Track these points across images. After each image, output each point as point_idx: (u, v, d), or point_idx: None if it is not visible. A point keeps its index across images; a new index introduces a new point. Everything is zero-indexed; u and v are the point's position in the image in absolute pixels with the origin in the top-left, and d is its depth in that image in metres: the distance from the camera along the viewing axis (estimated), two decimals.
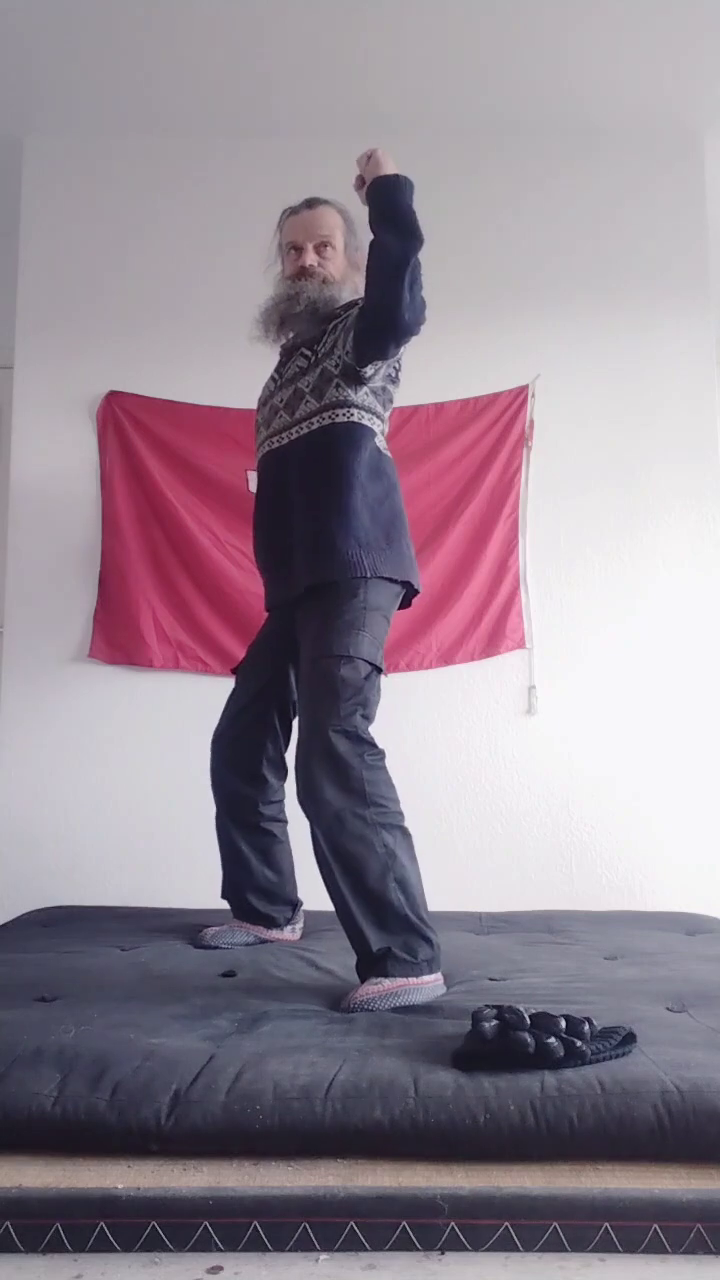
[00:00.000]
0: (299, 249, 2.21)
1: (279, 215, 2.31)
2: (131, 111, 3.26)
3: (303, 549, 2.05)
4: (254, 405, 2.36)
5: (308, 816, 1.91)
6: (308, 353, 2.16)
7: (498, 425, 3.25)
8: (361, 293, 2.05)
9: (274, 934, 2.35)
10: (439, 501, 3.19)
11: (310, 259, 2.20)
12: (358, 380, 2.09)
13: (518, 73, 3.11)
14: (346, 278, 2.22)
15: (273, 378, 2.29)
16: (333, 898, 1.89)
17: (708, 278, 3.35)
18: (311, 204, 2.24)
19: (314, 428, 2.09)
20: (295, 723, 2.21)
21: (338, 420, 2.08)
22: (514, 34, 2.96)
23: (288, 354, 2.25)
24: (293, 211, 2.27)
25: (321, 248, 2.21)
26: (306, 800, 1.90)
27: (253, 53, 3.02)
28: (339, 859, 1.86)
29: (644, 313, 3.31)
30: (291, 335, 2.21)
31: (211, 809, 2.37)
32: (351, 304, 2.16)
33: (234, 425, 3.14)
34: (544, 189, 3.37)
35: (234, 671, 2.42)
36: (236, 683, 2.38)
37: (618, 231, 3.35)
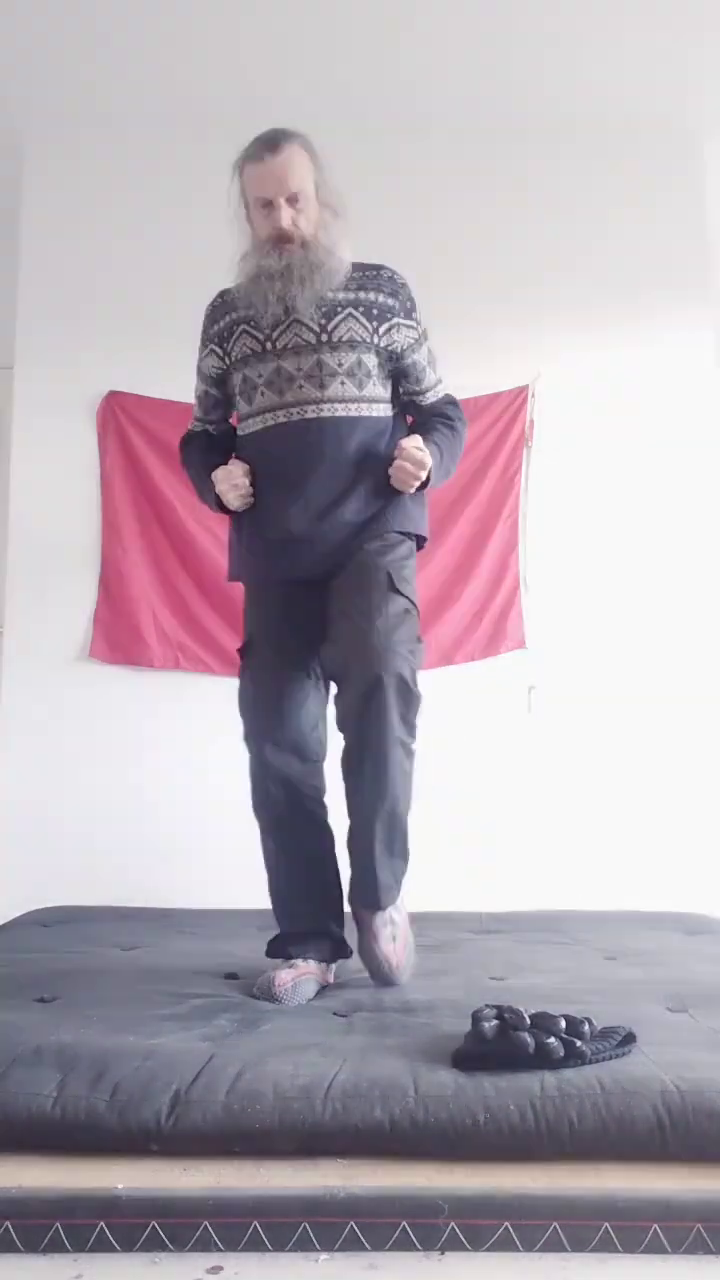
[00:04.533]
0: (271, 205, 1.97)
1: (238, 159, 2.03)
2: (131, 111, 3.26)
3: (354, 525, 2.01)
4: None
5: (362, 736, 1.91)
6: (314, 327, 1.99)
7: (498, 425, 3.25)
8: (339, 235, 2.01)
9: (331, 972, 2.03)
10: (439, 501, 3.18)
11: (286, 219, 1.96)
12: (390, 378, 2.10)
13: (519, 74, 3.11)
14: (323, 224, 2.01)
15: (251, 333, 2.02)
16: (357, 816, 1.95)
17: (708, 278, 3.36)
18: (274, 146, 1.96)
19: (354, 415, 2.01)
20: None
21: (375, 415, 2.04)
22: (515, 35, 2.96)
23: (275, 320, 2.01)
24: (253, 158, 1.98)
25: (294, 200, 1.97)
26: (372, 721, 1.89)
27: (253, 53, 3.03)
28: (381, 785, 1.92)
29: (644, 313, 3.32)
30: (284, 304, 1.99)
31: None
32: (374, 272, 2.07)
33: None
34: (544, 189, 3.37)
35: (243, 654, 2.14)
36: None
37: (618, 232, 3.35)
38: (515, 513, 3.24)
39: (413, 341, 2.08)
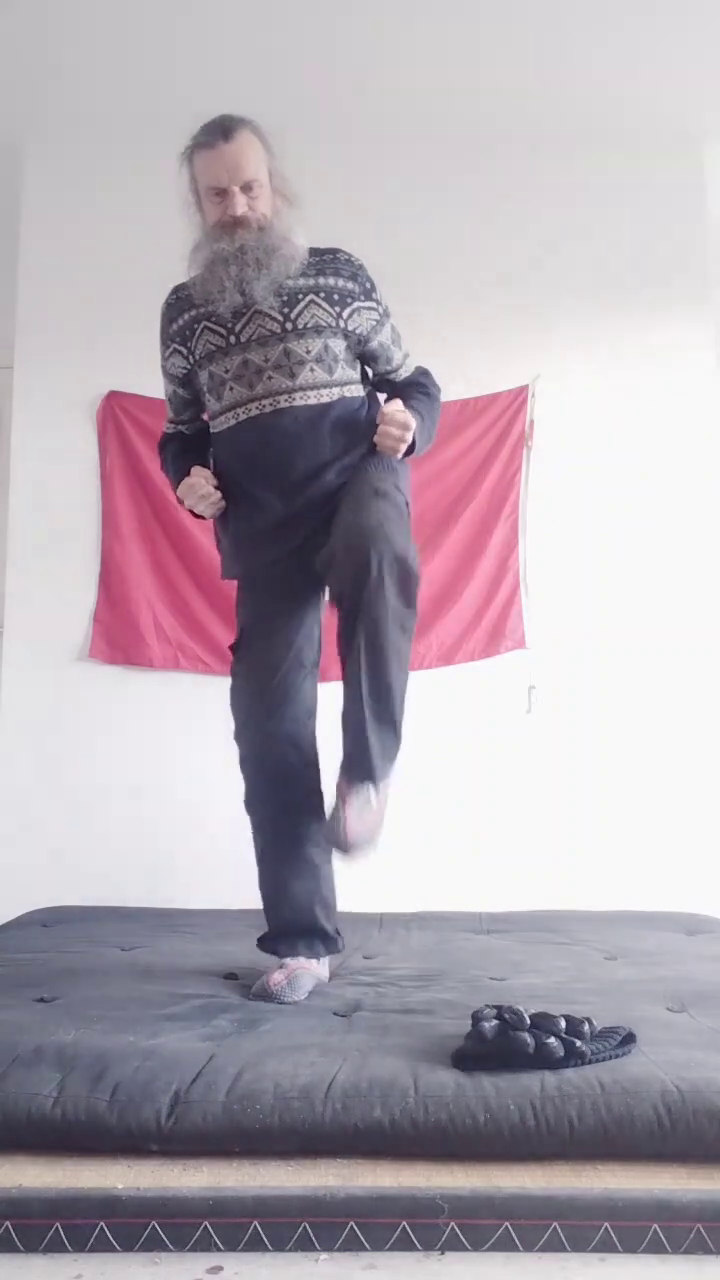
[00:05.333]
0: (224, 194, 1.93)
1: (188, 146, 1.99)
2: (131, 113, 3.26)
3: (337, 486, 1.98)
4: None
5: (359, 606, 1.81)
6: (277, 316, 1.96)
7: (498, 425, 3.25)
8: (292, 224, 1.98)
9: (325, 967, 2.02)
10: (439, 501, 3.19)
11: (241, 207, 1.92)
12: (358, 360, 2.09)
13: (519, 74, 3.11)
14: (277, 211, 1.97)
15: (213, 329, 2.00)
16: (350, 688, 1.84)
17: (708, 278, 3.36)
18: (227, 132, 1.92)
19: (325, 400, 1.99)
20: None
21: (347, 395, 2.03)
22: (515, 36, 2.96)
23: (236, 313, 1.98)
24: (206, 145, 1.94)
25: (248, 188, 1.93)
26: (372, 593, 1.79)
27: (253, 54, 3.03)
28: (374, 657, 1.82)
29: (644, 313, 3.32)
30: (241, 297, 1.95)
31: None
32: (330, 256, 2.04)
33: None
34: (544, 190, 3.37)
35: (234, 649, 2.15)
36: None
37: (618, 232, 3.35)
38: (515, 513, 3.24)
39: (375, 322, 2.05)
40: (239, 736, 2.07)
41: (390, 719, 1.88)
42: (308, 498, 1.97)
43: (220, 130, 1.93)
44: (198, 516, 2.11)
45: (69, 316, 3.28)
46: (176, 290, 2.12)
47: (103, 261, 3.31)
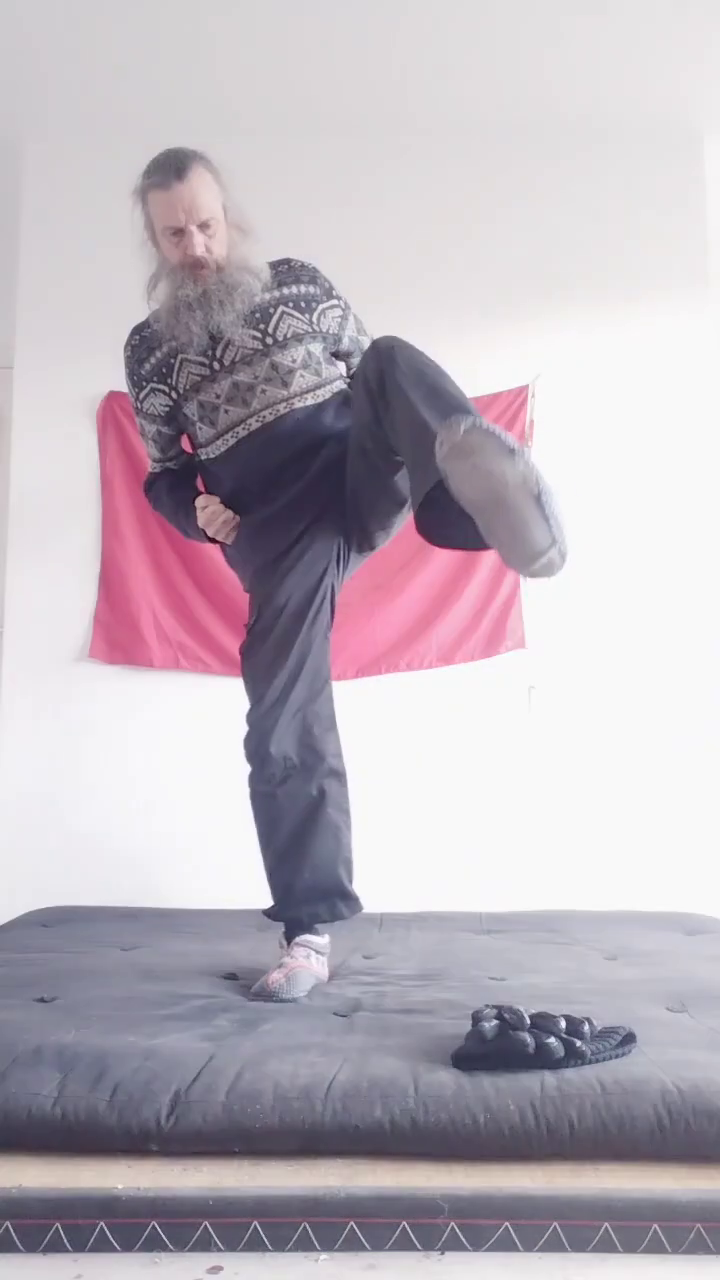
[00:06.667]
0: (181, 233, 1.94)
1: (141, 185, 1.97)
2: (131, 112, 3.26)
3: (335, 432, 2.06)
4: None
5: (383, 373, 1.80)
6: (256, 333, 2.02)
7: (498, 425, 3.25)
8: (247, 254, 2.02)
9: (326, 968, 2.00)
10: None
11: (199, 247, 1.94)
12: (334, 356, 2.19)
13: (519, 73, 3.11)
14: (233, 245, 2.00)
15: (193, 360, 2.03)
16: (396, 410, 1.79)
17: (708, 277, 3.36)
18: (180, 172, 1.91)
19: (321, 400, 2.07)
20: None
21: (339, 389, 2.12)
22: (514, 34, 2.96)
23: (213, 341, 2.02)
24: (160, 186, 1.93)
25: (205, 226, 1.95)
26: (388, 360, 1.81)
27: (253, 53, 3.03)
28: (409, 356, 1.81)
29: (644, 312, 3.32)
30: (208, 331, 2.00)
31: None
32: (285, 266, 2.10)
33: None
34: (544, 189, 3.37)
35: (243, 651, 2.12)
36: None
37: (618, 231, 3.35)
38: None
39: (340, 317, 2.14)
40: (250, 714, 2.05)
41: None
42: (309, 477, 2.02)
43: (173, 169, 1.93)
44: (213, 542, 2.14)
45: (69, 316, 3.28)
46: (138, 330, 2.14)
47: (103, 261, 3.30)
